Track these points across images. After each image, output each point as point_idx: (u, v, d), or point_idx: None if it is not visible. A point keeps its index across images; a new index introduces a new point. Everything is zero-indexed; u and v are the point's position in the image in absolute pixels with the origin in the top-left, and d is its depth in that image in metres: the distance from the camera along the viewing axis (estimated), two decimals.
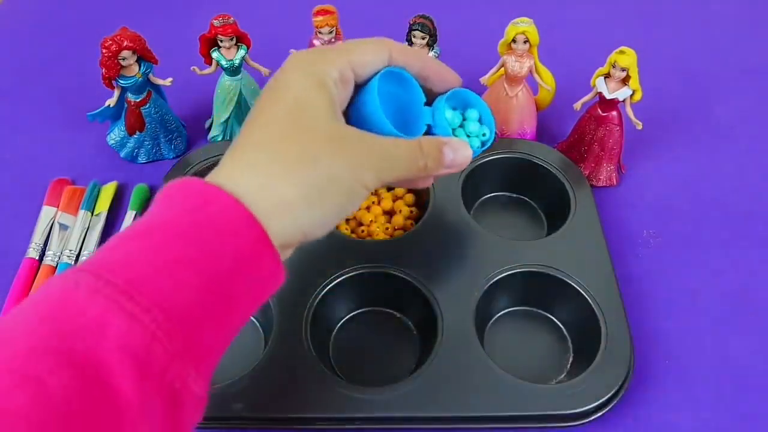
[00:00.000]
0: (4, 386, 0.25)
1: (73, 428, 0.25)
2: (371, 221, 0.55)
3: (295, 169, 0.33)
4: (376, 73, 0.38)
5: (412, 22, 0.56)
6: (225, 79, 0.60)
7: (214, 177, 0.33)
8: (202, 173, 0.57)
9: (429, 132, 0.40)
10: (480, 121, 0.42)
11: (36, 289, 0.52)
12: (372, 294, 0.51)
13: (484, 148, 0.42)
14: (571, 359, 0.48)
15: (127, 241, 0.30)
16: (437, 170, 0.38)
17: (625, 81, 0.55)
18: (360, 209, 0.56)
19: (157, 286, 0.28)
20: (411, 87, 0.40)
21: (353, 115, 0.38)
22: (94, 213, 0.57)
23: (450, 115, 0.41)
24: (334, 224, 0.35)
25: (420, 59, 0.40)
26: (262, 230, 0.32)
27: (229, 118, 0.62)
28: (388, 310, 0.51)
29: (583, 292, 0.48)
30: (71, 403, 0.25)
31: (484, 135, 0.42)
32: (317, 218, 0.34)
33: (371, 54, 0.37)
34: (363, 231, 0.55)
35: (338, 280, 0.49)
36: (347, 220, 0.56)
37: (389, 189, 0.59)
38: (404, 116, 0.40)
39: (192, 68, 0.60)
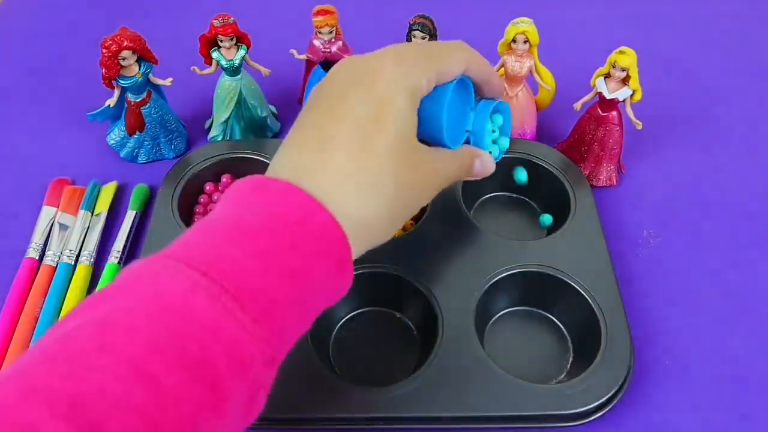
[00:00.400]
0: (124, 380, 0.26)
1: (182, 428, 0.26)
2: None
3: (380, 190, 0.35)
4: (449, 82, 0.39)
5: (412, 22, 0.56)
6: (225, 79, 0.60)
7: (299, 176, 0.34)
8: (202, 173, 0.58)
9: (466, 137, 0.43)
10: (501, 129, 0.45)
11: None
12: (372, 294, 0.51)
13: (499, 158, 0.45)
14: (571, 359, 0.48)
15: (235, 244, 0.31)
16: (467, 177, 0.42)
17: (625, 81, 0.55)
18: None
19: (264, 298, 0.30)
20: (468, 93, 0.42)
21: (426, 125, 0.39)
22: (94, 213, 0.57)
23: (489, 126, 0.44)
24: (401, 225, 0.39)
25: (489, 72, 0.42)
26: (350, 252, 0.34)
27: (229, 118, 0.62)
28: (388, 310, 0.51)
29: (583, 292, 0.48)
30: (182, 403, 0.26)
31: (502, 144, 0.45)
32: (387, 236, 0.37)
33: (456, 65, 0.39)
34: None
35: None
36: None
37: None
38: (454, 120, 0.41)
39: (192, 68, 0.60)
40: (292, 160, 0.35)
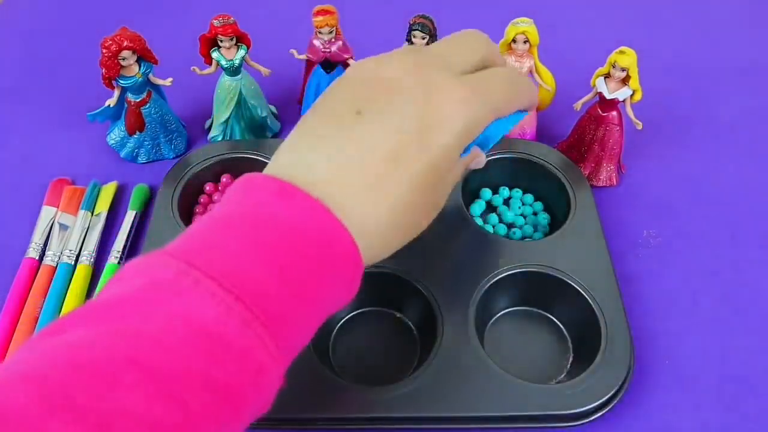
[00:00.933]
0: (153, 400, 0.25)
1: None
2: None
3: (397, 199, 0.34)
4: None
5: (412, 22, 0.56)
6: (225, 79, 0.60)
7: (313, 183, 0.32)
8: (202, 173, 0.58)
9: None
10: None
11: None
12: (372, 294, 0.50)
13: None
14: (571, 359, 0.48)
15: (260, 262, 0.30)
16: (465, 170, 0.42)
17: (625, 81, 0.55)
18: None
19: (288, 324, 0.30)
20: None
21: None
22: (94, 213, 0.57)
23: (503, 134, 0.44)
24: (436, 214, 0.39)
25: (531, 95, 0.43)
26: (362, 275, 0.34)
27: (229, 118, 0.62)
28: (388, 310, 0.51)
29: (583, 292, 0.48)
30: (208, 428, 0.27)
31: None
32: (400, 244, 0.37)
33: (517, 106, 0.41)
34: None
35: None
36: None
37: None
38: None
39: (192, 68, 0.60)
40: (317, 167, 0.33)
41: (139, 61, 0.57)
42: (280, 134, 0.66)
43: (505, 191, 0.58)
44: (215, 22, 0.57)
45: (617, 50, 0.54)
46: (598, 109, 0.57)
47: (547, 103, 0.62)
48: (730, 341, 0.50)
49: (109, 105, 0.59)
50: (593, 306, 0.48)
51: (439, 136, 0.34)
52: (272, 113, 0.66)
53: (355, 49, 0.61)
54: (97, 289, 0.52)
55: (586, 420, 0.43)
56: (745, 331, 0.50)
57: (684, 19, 0.80)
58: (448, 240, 0.52)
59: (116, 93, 0.58)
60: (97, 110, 0.59)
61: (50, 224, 0.56)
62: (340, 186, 0.33)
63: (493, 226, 0.56)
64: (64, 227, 0.56)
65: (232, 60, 0.59)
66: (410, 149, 0.33)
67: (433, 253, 0.51)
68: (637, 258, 0.55)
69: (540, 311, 0.51)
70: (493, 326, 0.50)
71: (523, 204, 0.58)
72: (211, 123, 0.64)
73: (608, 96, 0.55)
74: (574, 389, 0.43)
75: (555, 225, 0.56)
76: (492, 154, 0.58)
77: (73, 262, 0.54)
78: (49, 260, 0.54)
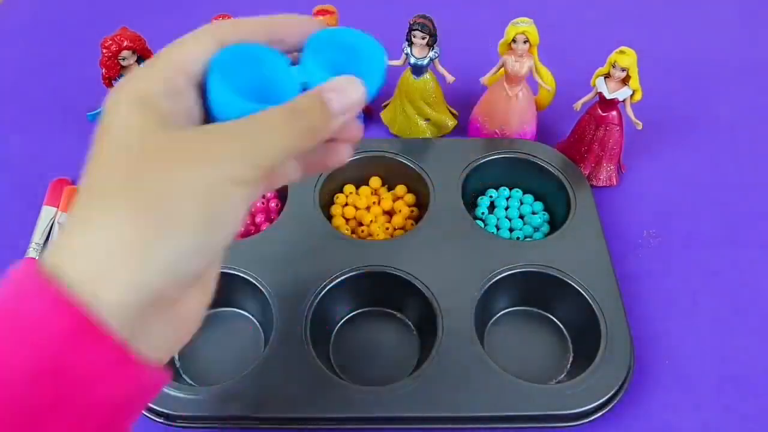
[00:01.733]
0: None
1: None
2: (371, 221, 0.55)
3: (123, 204, 0.24)
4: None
5: (412, 22, 0.56)
6: None
7: (60, 257, 0.24)
8: None
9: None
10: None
11: None
12: (372, 294, 0.51)
13: (377, 85, 0.32)
14: (571, 359, 0.48)
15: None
16: (330, 124, 0.29)
17: (625, 81, 0.55)
18: (359, 209, 0.56)
19: None
20: (268, 59, 0.32)
21: (212, 118, 0.30)
22: None
23: (323, 61, 0.32)
24: (213, 248, 0.26)
25: (258, 23, 0.31)
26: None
27: None
28: (388, 310, 0.51)
29: (583, 292, 0.48)
30: None
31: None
32: (174, 253, 0.24)
33: (193, 49, 0.29)
34: (363, 231, 0.55)
35: (338, 280, 0.49)
36: (347, 220, 0.56)
37: (389, 189, 0.59)
38: (272, 92, 0.32)
39: None
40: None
41: (139, 61, 0.57)
42: None
43: (505, 191, 0.58)
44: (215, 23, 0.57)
45: (617, 50, 0.54)
46: (598, 109, 0.57)
47: (547, 103, 0.62)
48: (730, 341, 0.50)
49: None
50: (593, 306, 0.48)
51: (107, 117, 0.28)
52: None
53: None
54: None
55: (586, 420, 0.43)
56: (745, 331, 0.50)
57: (684, 19, 0.80)
58: (448, 240, 0.52)
59: None
60: (97, 110, 0.59)
61: (50, 224, 0.56)
62: (75, 247, 0.25)
63: (497, 228, 0.56)
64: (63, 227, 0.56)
65: None
66: (106, 155, 0.28)
67: (434, 253, 0.51)
68: (637, 258, 0.55)
69: (540, 311, 0.51)
70: (493, 326, 0.50)
71: (522, 204, 0.58)
72: None
73: (608, 96, 0.55)
74: (574, 389, 0.43)
75: (555, 225, 0.56)
76: (492, 154, 0.58)
77: None
78: None
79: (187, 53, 0.30)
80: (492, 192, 0.59)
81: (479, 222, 0.56)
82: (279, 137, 0.28)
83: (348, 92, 0.30)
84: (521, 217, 0.57)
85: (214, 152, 0.26)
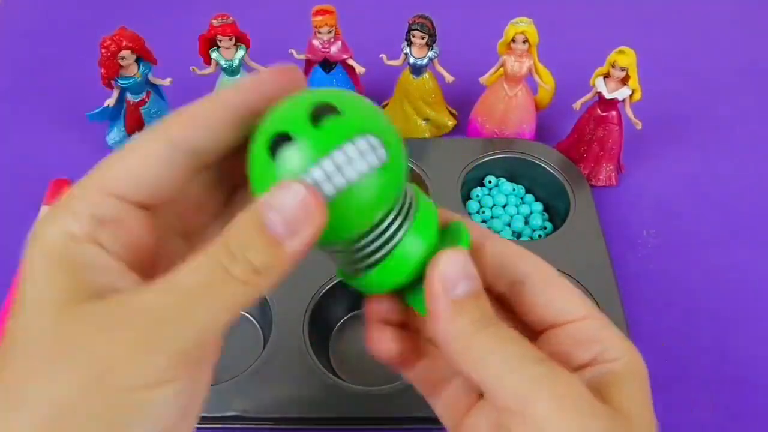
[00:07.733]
0: None
1: None
2: None
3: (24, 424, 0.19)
4: None
5: (411, 22, 0.56)
6: (225, 79, 0.60)
7: None
8: None
9: None
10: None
11: None
12: None
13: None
14: None
15: None
16: (283, 260, 0.20)
17: (624, 81, 0.55)
18: None
19: None
20: None
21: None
22: None
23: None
24: None
25: (222, 108, 0.23)
26: None
27: None
28: None
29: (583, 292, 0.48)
30: None
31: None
32: None
33: (135, 163, 0.23)
34: None
35: (338, 280, 0.49)
36: None
37: None
38: None
39: (191, 68, 0.60)
40: None
41: (138, 61, 0.57)
42: None
43: (505, 185, 0.58)
44: (214, 22, 0.57)
45: (617, 50, 0.54)
46: (598, 109, 0.57)
47: (546, 102, 0.62)
48: (729, 341, 0.50)
49: (108, 105, 0.59)
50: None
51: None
52: None
53: (354, 49, 0.61)
54: None
55: None
56: (744, 331, 0.50)
57: (684, 19, 0.80)
58: None
59: (115, 93, 0.58)
60: (97, 110, 0.59)
61: None
62: None
63: (491, 217, 0.56)
64: None
65: (231, 60, 0.59)
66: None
67: None
68: (637, 258, 0.55)
69: None
70: None
71: (522, 203, 0.58)
72: None
73: (608, 96, 0.55)
74: None
75: (555, 225, 0.56)
76: (492, 154, 0.58)
77: None
78: None
79: (127, 168, 0.24)
80: (484, 191, 0.58)
81: (476, 215, 0.56)
82: (202, 310, 0.20)
83: (285, 202, 0.20)
84: (522, 216, 0.57)
85: (110, 351, 0.19)
